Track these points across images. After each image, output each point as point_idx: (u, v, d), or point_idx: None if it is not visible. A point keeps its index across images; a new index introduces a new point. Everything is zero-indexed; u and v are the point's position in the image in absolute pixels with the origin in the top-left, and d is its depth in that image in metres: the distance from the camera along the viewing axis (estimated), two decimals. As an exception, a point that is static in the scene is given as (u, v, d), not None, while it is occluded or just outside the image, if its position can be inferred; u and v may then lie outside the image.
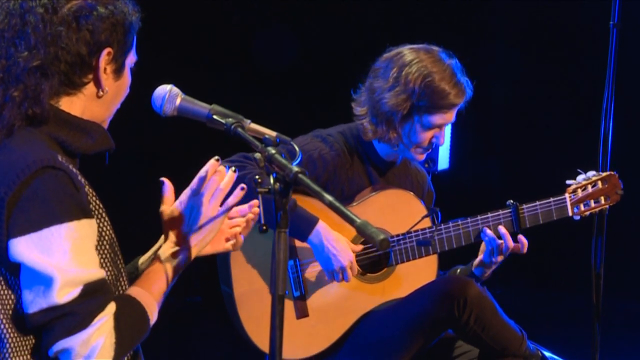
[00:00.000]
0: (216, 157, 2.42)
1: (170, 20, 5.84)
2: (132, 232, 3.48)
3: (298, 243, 3.52)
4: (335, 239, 3.44)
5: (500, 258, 3.54)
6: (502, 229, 3.53)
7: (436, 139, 3.56)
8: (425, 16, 6.58)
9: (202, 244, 2.45)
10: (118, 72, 2.39)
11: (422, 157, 3.61)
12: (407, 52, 3.55)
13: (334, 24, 6.37)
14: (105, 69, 2.35)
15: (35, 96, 2.28)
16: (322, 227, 3.43)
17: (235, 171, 2.43)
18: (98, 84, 2.36)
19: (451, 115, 3.55)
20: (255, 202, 2.54)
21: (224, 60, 6.27)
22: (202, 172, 2.41)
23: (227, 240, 2.58)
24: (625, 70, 4.15)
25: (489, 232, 3.53)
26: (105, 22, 2.33)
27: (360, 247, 3.53)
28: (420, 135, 3.53)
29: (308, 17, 6.36)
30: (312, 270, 3.55)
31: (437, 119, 3.52)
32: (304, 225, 3.42)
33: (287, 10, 6.33)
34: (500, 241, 3.51)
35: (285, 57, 6.30)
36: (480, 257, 3.57)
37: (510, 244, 3.52)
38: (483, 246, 3.56)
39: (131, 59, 2.43)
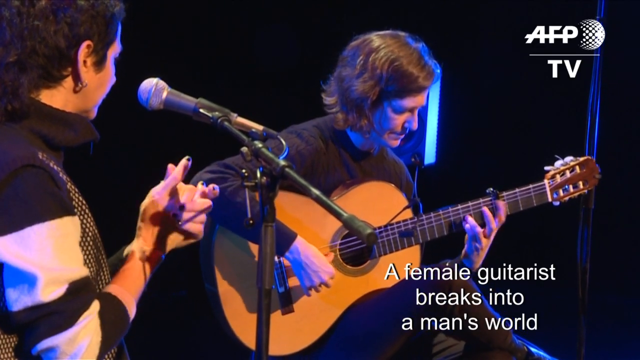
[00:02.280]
0: (187, 158, 2.41)
1: (166, 15, 5.85)
2: (115, 227, 3.47)
3: None
4: (314, 254, 3.44)
5: (485, 242, 3.54)
6: (485, 211, 3.54)
7: (409, 124, 3.56)
8: (422, 14, 6.59)
9: (170, 243, 2.43)
10: (99, 64, 2.35)
11: (396, 142, 3.61)
12: (374, 38, 3.55)
13: (334, 22, 6.37)
14: (85, 61, 2.32)
15: (13, 91, 2.25)
16: (300, 243, 3.43)
17: (188, 159, 2.42)
18: (77, 78, 2.32)
19: (422, 98, 3.55)
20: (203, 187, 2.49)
21: (224, 57, 6.27)
22: (174, 173, 2.39)
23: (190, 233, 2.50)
24: (611, 64, 4.15)
25: (470, 219, 3.54)
26: (84, 14, 2.29)
27: (332, 257, 3.53)
28: (392, 120, 3.53)
29: (309, 15, 6.36)
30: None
31: (407, 102, 3.52)
32: (281, 241, 3.41)
33: (288, 8, 6.33)
34: (481, 229, 3.52)
35: (286, 55, 6.30)
36: (465, 247, 3.58)
37: (493, 225, 3.53)
38: (467, 236, 3.57)
39: (114, 49, 2.39)
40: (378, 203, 3.59)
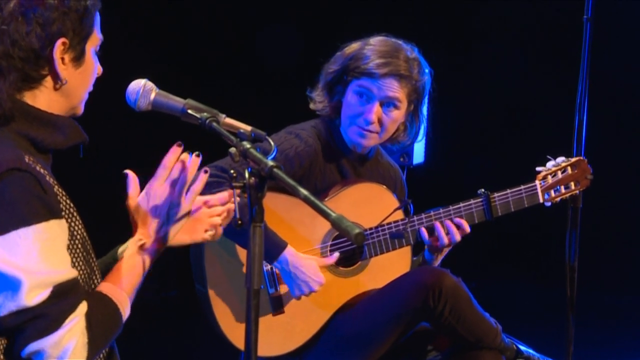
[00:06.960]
0: (178, 143, 2.41)
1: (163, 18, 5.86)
2: (104, 230, 3.47)
3: None
4: (304, 264, 3.44)
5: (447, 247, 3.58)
6: (450, 225, 3.55)
7: (368, 114, 3.52)
8: (415, 12, 6.60)
9: (171, 233, 2.42)
10: (78, 59, 2.33)
11: (359, 139, 3.54)
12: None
13: (336, 21, 6.38)
14: (62, 59, 2.29)
15: None
16: (290, 253, 3.43)
17: (198, 155, 2.41)
18: (56, 76, 2.30)
19: (377, 89, 3.51)
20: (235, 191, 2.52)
21: (225, 58, 6.27)
22: (164, 161, 2.39)
23: (206, 230, 2.54)
24: (598, 62, 4.17)
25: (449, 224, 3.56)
26: (55, 11, 2.26)
27: (332, 260, 3.53)
28: (353, 106, 3.54)
29: (310, 14, 6.36)
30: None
31: (363, 82, 3.52)
32: (271, 249, 3.41)
33: (290, 7, 6.34)
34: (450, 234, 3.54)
35: (288, 55, 6.30)
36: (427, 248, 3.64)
37: (457, 237, 3.53)
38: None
39: (94, 42, 2.36)
40: (370, 204, 3.59)
